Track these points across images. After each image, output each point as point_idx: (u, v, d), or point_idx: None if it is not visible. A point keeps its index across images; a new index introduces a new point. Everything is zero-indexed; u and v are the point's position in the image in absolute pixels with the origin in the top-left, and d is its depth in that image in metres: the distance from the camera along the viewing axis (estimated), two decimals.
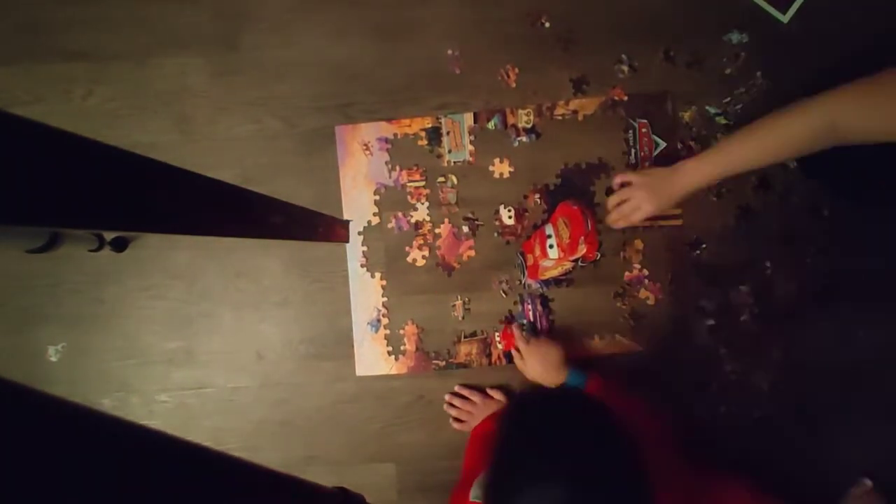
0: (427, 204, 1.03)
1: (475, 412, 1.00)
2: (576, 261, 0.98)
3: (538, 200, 1.02)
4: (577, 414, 0.55)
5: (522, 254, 1.02)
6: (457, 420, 1.02)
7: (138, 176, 0.41)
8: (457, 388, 1.03)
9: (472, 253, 1.03)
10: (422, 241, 1.03)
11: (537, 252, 0.99)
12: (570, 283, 1.02)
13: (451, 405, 1.03)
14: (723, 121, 1.00)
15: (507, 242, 1.03)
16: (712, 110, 1.01)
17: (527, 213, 1.02)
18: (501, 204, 1.03)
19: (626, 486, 0.49)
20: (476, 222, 1.03)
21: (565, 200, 1.00)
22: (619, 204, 0.91)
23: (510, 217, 1.02)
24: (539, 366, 0.93)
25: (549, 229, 0.99)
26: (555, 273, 1.00)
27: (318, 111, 1.04)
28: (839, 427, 1.00)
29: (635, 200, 0.89)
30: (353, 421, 1.06)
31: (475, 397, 1.01)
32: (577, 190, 1.02)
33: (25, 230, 0.96)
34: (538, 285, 1.02)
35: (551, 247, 0.97)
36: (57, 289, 1.06)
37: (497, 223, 1.03)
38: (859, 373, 1.00)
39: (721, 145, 0.81)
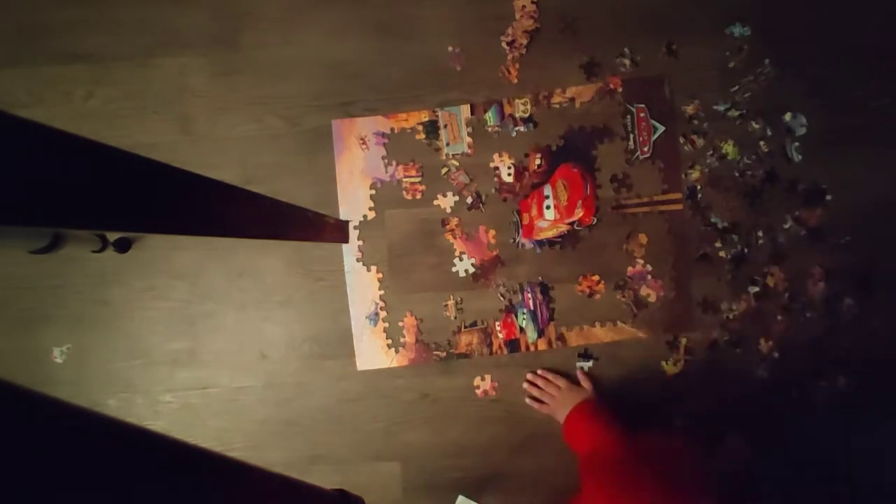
0: (455, 196, 1.03)
1: (558, 396, 0.98)
2: (572, 224, 0.98)
3: (539, 161, 1.01)
4: None
5: (518, 212, 1.02)
6: (536, 400, 1.01)
7: (140, 177, 0.41)
8: (540, 372, 1.01)
9: (493, 239, 1.03)
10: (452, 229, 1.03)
11: (534, 212, 0.99)
12: (563, 245, 1.01)
13: (534, 384, 1.01)
14: (735, 113, 1.00)
15: (505, 200, 1.02)
16: (721, 108, 1.00)
17: (526, 172, 1.02)
18: (496, 153, 1.02)
19: None
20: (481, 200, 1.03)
21: (566, 163, 1.00)
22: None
23: (509, 175, 1.02)
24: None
25: (547, 190, 0.99)
26: (549, 234, 1.00)
27: (319, 110, 1.03)
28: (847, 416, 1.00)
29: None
30: (358, 420, 1.06)
31: (561, 382, 0.99)
32: (579, 153, 1.01)
33: (28, 231, 0.96)
34: (532, 244, 1.02)
35: (548, 208, 0.98)
36: (61, 290, 1.06)
37: (496, 180, 1.02)
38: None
39: None
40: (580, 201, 0.95)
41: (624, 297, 1.02)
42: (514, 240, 1.02)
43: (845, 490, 0.95)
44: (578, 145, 1.01)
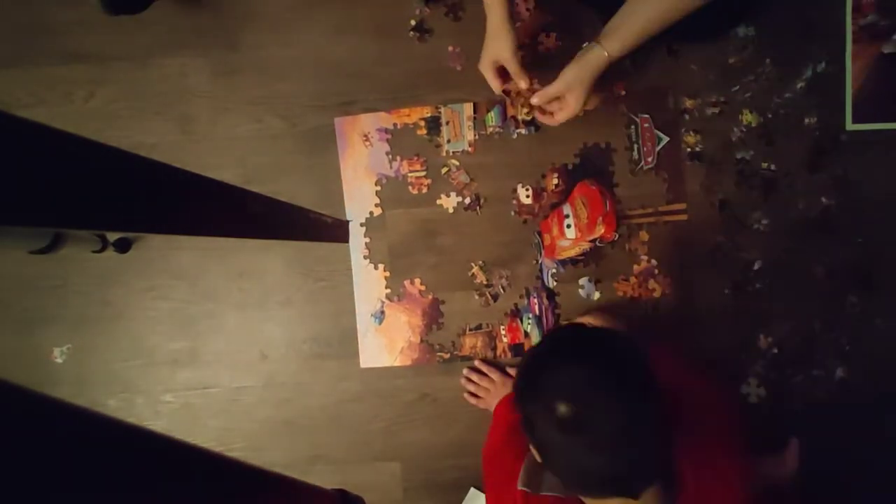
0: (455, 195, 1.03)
1: (493, 389, 0.99)
2: (593, 241, 0.98)
3: (556, 180, 1.01)
4: (602, 341, 0.61)
5: (539, 233, 1.02)
6: (473, 395, 1.02)
7: (140, 177, 0.41)
8: (476, 363, 1.02)
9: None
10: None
11: (555, 232, 0.99)
12: (587, 263, 1.01)
13: (469, 380, 1.02)
14: (755, 121, 0.99)
15: (525, 221, 1.02)
16: (719, 104, 1.00)
17: (545, 193, 1.02)
18: (519, 183, 1.02)
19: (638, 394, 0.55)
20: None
21: (584, 180, 1.00)
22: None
23: (528, 196, 1.02)
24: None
25: (566, 209, 0.99)
26: (571, 253, 1.00)
27: (319, 109, 1.03)
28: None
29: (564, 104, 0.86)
30: (358, 420, 1.06)
31: (494, 374, 1.00)
32: (596, 170, 1.01)
33: (28, 231, 0.96)
34: (555, 264, 1.02)
35: (569, 227, 0.97)
36: (61, 290, 1.06)
37: (514, 202, 1.02)
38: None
39: (611, 27, 0.82)
40: (600, 217, 0.95)
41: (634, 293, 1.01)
42: (537, 261, 1.02)
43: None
44: (594, 162, 1.01)
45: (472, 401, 1.02)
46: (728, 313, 1.02)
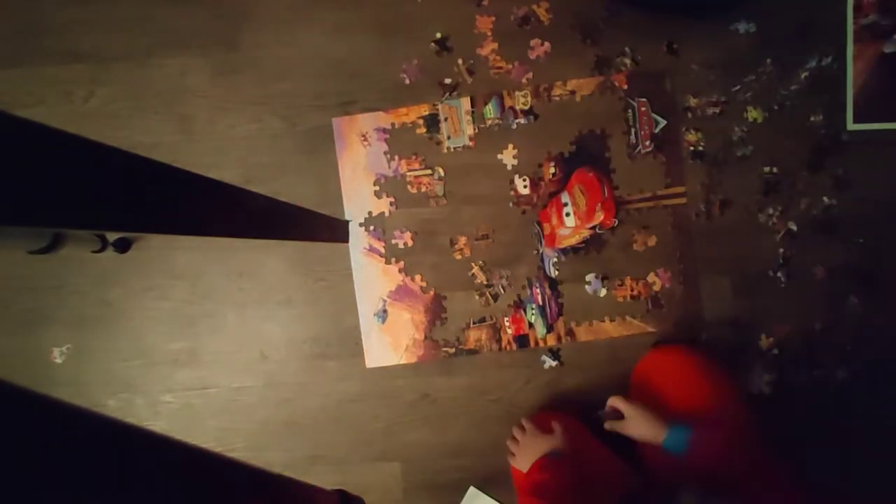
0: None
1: (518, 452, 0.86)
2: (593, 228, 0.98)
3: (553, 170, 1.01)
4: None
5: (539, 223, 1.02)
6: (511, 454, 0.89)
7: (140, 177, 0.41)
8: (522, 420, 0.90)
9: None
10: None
11: (554, 221, 0.99)
12: (588, 251, 1.01)
13: (513, 438, 0.90)
14: (758, 118, 0.99)
15: (524, 212, 1.02)
16: (719, 104, 1.00)
17: (542, 182, 1.02)
18: (516, 174, 1.02)
19: None
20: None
21: (581, 167, 1.00)
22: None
23: (525, 187, 1.02)
24: (643, 425, 0.80)
25: (565, 197, 0.99)
26: (572, 241, 1.00)
27: (319, 109, 1.03)
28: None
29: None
30: (358, 420, 1.06)
31: (526, 424, 0.88)
32: (592, 157, 1.01)
33: (28, 231, 0.96)
34: (556, 253, 1.02)
35: (568, 215, 0.98)
36: (61, 290, 1.06)
37: (513, 193, 1.02)
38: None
39: None
40: (599, 204, 0.96)
41: (633, 290, 1.02)
42: (538, 251, 1.02)
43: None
44: (590, 149, 1.01)
45: (510, 459, 0.89)
46: (728, 313, 1.02)
